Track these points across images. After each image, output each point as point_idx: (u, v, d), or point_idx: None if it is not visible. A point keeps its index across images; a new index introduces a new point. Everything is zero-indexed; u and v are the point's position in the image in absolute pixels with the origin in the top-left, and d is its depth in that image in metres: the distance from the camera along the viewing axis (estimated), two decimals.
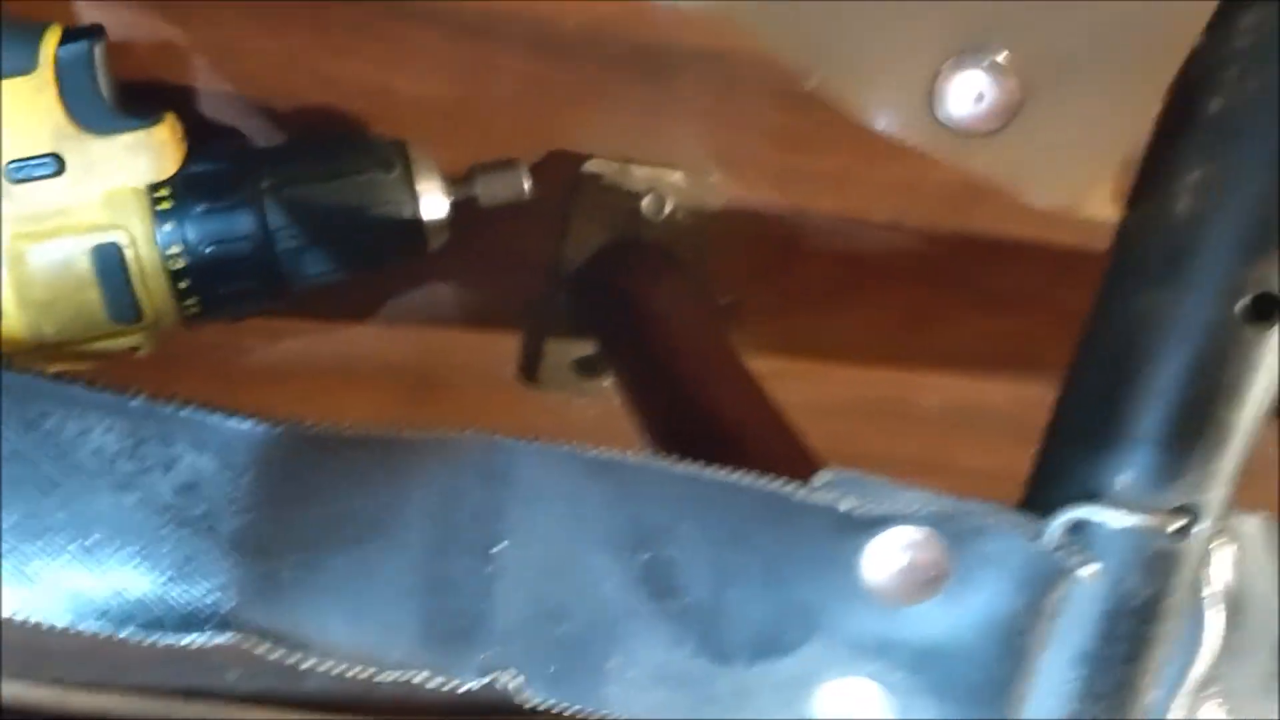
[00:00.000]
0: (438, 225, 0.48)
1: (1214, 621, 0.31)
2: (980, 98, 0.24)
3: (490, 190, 0.49)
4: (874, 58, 0.25)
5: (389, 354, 0.55)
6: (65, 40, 0.43)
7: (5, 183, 0.43)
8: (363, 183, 0.46)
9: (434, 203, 0.47)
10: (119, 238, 0.44)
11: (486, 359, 0.56)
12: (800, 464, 0.46)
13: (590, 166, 0.53)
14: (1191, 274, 0.25)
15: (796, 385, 0.59)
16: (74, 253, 0.43)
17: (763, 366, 0.58)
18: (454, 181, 0.48)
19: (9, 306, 0.43)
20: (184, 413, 0.27)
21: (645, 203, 0.54)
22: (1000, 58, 0.23)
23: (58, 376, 0.27)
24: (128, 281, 0.44)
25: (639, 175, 0.54)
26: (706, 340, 0.51)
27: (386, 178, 0.46)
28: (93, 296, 0.44)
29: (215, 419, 0.28)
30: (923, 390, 0.60)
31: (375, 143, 0.47)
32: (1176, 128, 0.25)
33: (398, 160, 0.47)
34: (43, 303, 0.44)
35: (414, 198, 0.47)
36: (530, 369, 0.57)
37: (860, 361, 0.59)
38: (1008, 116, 0.24)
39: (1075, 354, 0.30)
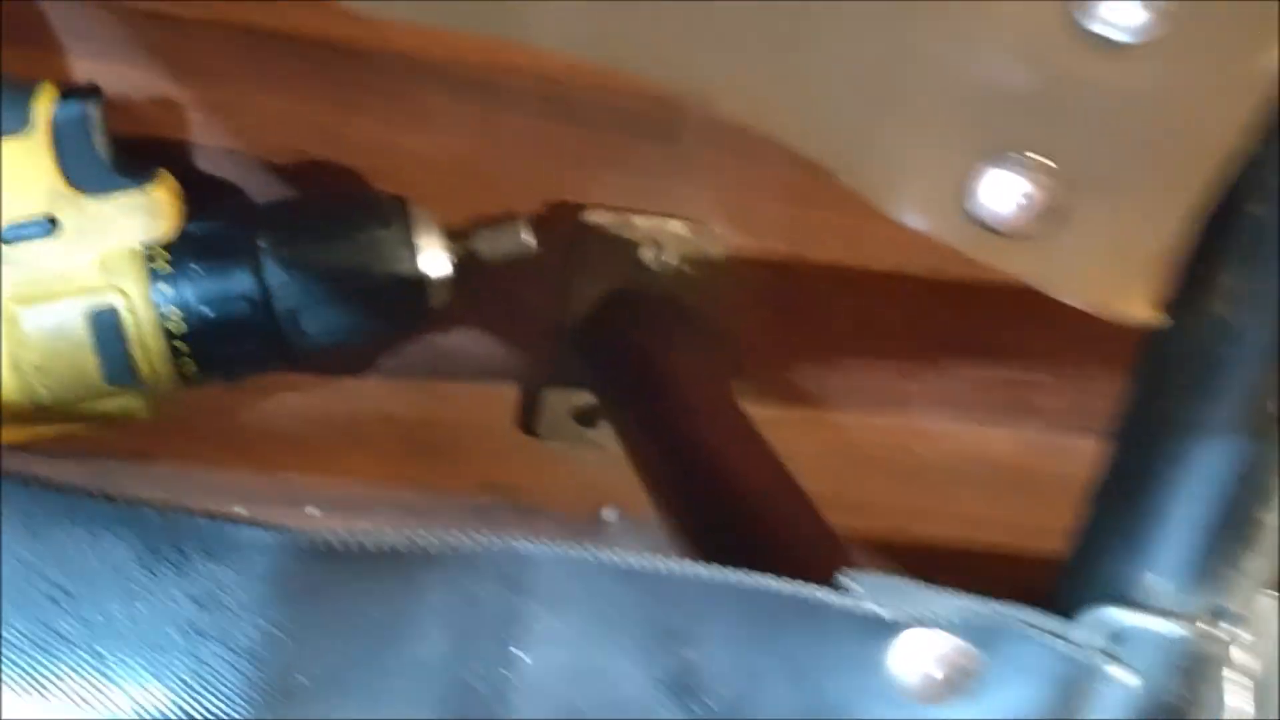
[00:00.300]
0: (440, 283, 0.47)
1: (1241, 710, 0.30)
2: (1016, 198, 0.23)
3: (492, 246, 0.48)
4: (907, 157, 0.24)
5: (390, 408, 0.54)
6: (61, 100, 0.42)
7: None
8: (363, 241, 0.45)
9: (435, 259, 0.46)
10: (115, 300, 0.43)
11: (487, 411, 0.56)
12: (801, 516, 0.45)
13: (592, 217, 0.53)
14: (1226, 379, 0.25)
15: (800, 433, 0.59)
16: (69, 316, 0.43)
17: (766, 414, 0.57)
18: (455, 238, 0.48)
19: (3, 370, 0.42)
20: (200, 522, 0.27)
21: (647, 253, 0.54)
22: (1035, 159, 0.23)
23: (68, 487, 0.26)
24: (124, 344, 0.43)
25: (641, 225, 0.53)
26: (708, 391, 0.51)
27: (387, 235, 0.45)
28: (89, 359, 0.43)
29: (231, 529, 0.27)
30: (925, 439, 0.60)
31: (376, 200, 0.47)
32: (1218, 234, 0.24)
33: (398, 217, 0.46)
34: (38, 366, 0.43)
35: (415, 255, 0.46)
36: (530, 420, 0.56)
37: (863, 410, 0.59)
38: (1044, 217, 0.23)
39: (1107, 452, 0.29)
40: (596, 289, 0.54)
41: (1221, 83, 0.23)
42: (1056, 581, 0.30)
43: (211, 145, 0.48)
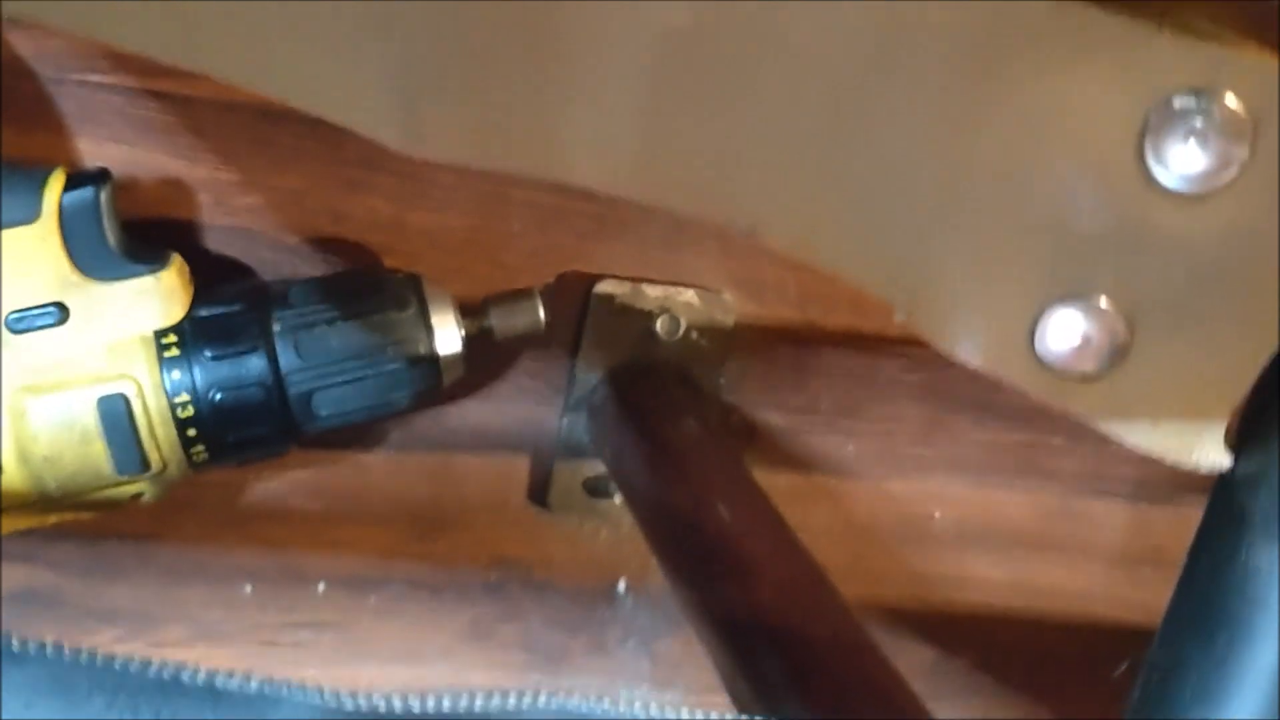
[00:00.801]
0: (453, 360, 0.46)
1: None
2: (1084, 340, 0.23)
3: (505, 322, 0.48)
4: (970, 295, 0.24)
5: (399, 483, 0.54)
6: (70, 186, 0.41)
7: (6, 334, 0.41)
8: (377, 322, 0.45)
9: (449, 338, 0.46)
10: (125, 388, 0.42)
11: (497, 484, 0.55)
12: (812, 588, 0.44)
13: (602, 287, 0.52)
14: None
15: (814, 504, 0.58)
16: (78, 405, 0.42)
17: (779, 484, 0.57)
18: (469, 313, 0.47)
19: (9, 461, 0.42)
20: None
21: (658, 322, 0.53)
22: (1103, 301, 0.23)
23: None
24: (134, 433, 0.42)
25: (651, 295, 0.53)
26: (718, 462, 0.50)
27: (401, 316, 0.45)
28: (98, 450, 0.42)
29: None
30: (938, 504, 0.59)
31: (388, 278, 0.46)
32: None
33: (412, 297, 0.45)
34: (46, 457, 0.42)
35: (429, 335, 0.45)
36: (540, 493, 0.56)
37: (876, 478, 0.58)
38: (1112, 360, 0.23)
39: (1172, 604, 0.28)
40: (607, 360, 0.53)
41: None
42: None
43: (221, 225, 0.47)
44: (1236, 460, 0.25)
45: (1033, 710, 0.64)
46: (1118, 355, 0.23)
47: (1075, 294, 0.23)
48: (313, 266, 0.49)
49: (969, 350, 0.24)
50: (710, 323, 0.53)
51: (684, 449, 0.48)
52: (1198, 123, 0.21)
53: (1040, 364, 0.24)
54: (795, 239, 0.24)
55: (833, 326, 0.55)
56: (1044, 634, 0.63)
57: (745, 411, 0.56)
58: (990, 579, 0.61)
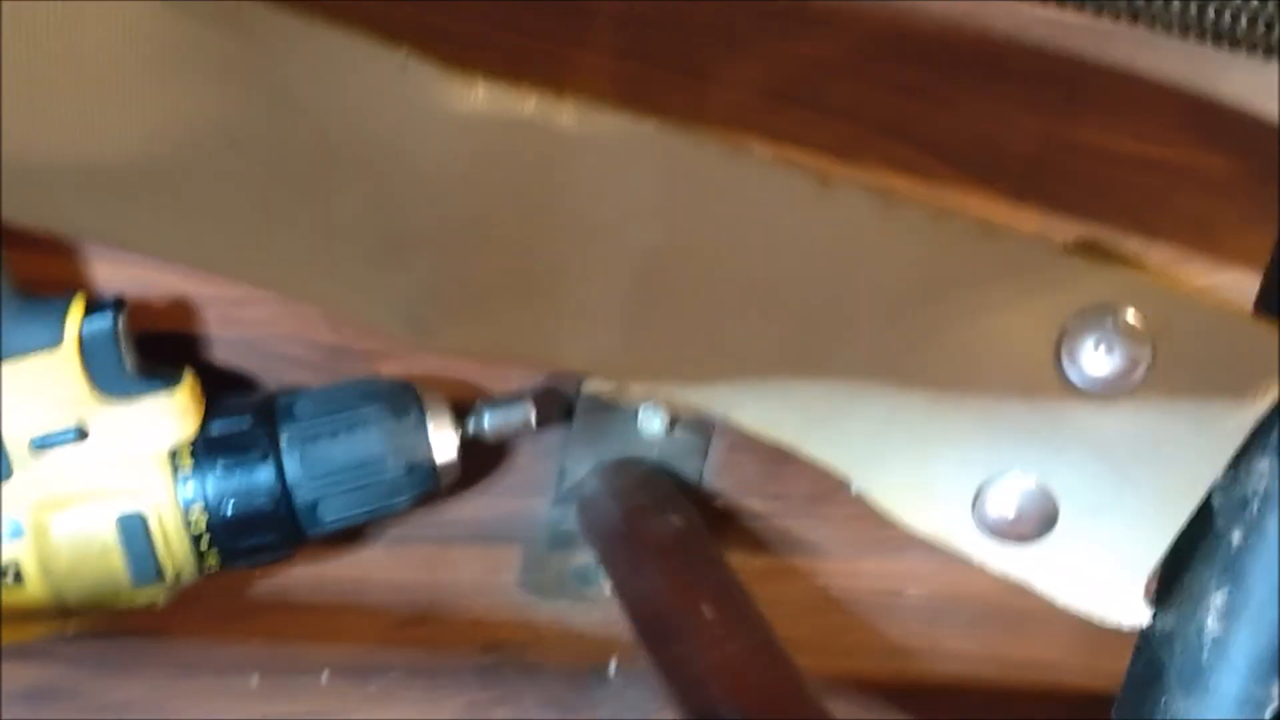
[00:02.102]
0: (449, 465, 0.49)
1: None
2: (1016, 511, 0.26)
3: (497, 425, 0.51)
4: (917, 478, 0.27)
5: (396, 573, 0.56)
6: (89, 313, 0.44)
7: (30, 453, 0.44)
8: (378, 432, 0.47)
9: (445, 443, 0.49)
10: (143, 504, 0.44)
11: (490, 572, 0.58)
12: (793, 692, 0.47)
13: (590, 387, 0.55)
14: (1217, 686, 0.27)
15: (789, 582, 0.61)
16: (98, 521, 0.44)
17: (757, 564, 0.60)
18: (462, 417, 0.50)
19: (32, 574, 0.44)
20: None
21: (642, 419, 0.56)
22: (1033, 480, 0.26)
23: None
24: (151, 546, 0.45)
25: (636, 392, 0.55)
26: (702, 562, 0.53)
27: (400, 425, 0.48)
28: (116, 562, 0.44)
29: None
30: (910, 580, 0.62)
31: (386, 387, 0.49)
32: (1202, 551, 0.27)
33: (411, 405, 0.48)
34: (67, 571, 0.44)
35: (427, 442, 0.48)
36: (533, 580, 0.58)
37: (848, 557, 0.61)
38: (1041, 528, 0.26)
39: None
40: (595, 454, 0.56)
41: (1195, 428, 0.25)
42: None
43: (227, 337, 0.50)
44: (1154, 618, 0.28)
45: None
46: (1048, 524, 0.26)
47: (1008, 473, 0.26)
48: (313, 373, 0.51)
49: (918, 521, 0.27)
50: (692, 417, 0.56)
51: (669, 548, 0.51)
52: (1105, 333, 0.24)
53: (980, 532, 0.27)
54: (761, 424, 0.27)
55: None
56: (1015, 703, 0.66)
57: (725, 498, 0.58)
58: (962, 651, 0.64)
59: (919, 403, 0.26)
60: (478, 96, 0.22)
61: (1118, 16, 0.25)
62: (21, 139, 0.21)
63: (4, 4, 0.21)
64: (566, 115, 0.22)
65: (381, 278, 0.24)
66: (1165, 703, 0.28)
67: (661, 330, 0.25)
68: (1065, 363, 0.25)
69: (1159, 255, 0.57)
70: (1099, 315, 0.25)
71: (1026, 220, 0.54)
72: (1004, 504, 0.26)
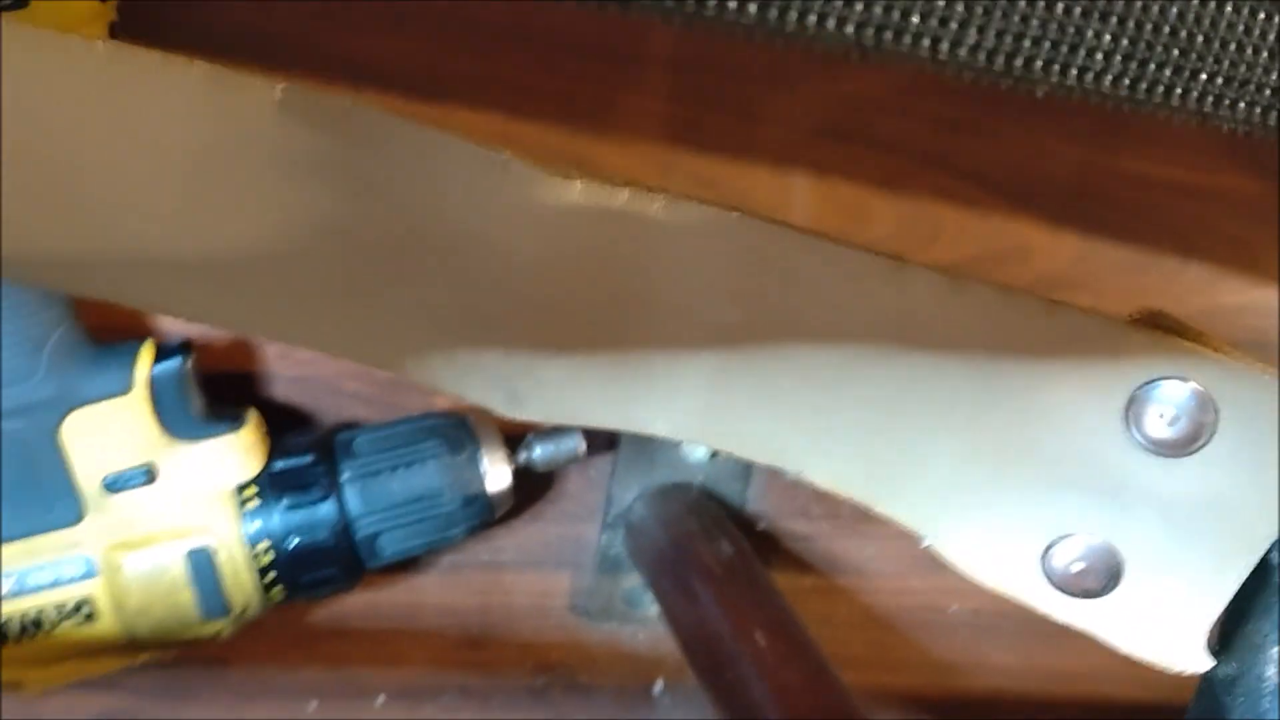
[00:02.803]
0: (503, 496, 0.50)
1: None
2: (1083, 566, 0.27)
3: (548, 455, 0.52)
4: (987, 534, 0.28)
5: (449, 598, 0.57)
6: (158, 359, 0.45)
7: (103, 494, 0.45)
8: (435, 467, 0.48)
9: (500, 476, 0.50)
10: (210, 540, 0.46)
11: (540, 596, 0.59)
12: (846, 713, 0.48)
13: None
14: None
15: (837, 600, 0.62)
16: (168, 558, 0.46)
17: (804, 584, 0.61)
18: (513, 448, 0.51)
19: (104, 611, 0.45)
20: None
21: (686, 444, 0.57)
22: (1100, 537, 0.27)
23: None
24: (219, 581, 0.46)
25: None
26: (753, 588, 0.54)
27: (456, 459, 0.49)
28: (186, 598, 0.46)
29: None
30: (954, 597, 0.63)
31: (442, 422, 0.50)
32: (1262, 604, 0.28)
33: (466, 439, 0.49)
34: (138, 608, 0.46)
35: (481, 475, 0.49)
36: (582, 603, 0.59)
37: (894, 575, 0.62)
38: (1108, 581, 0.27)
39: None
40: (641, 480, 0.57)
41: (1256, 489, 0.26)
42: None
43: (286, 375, 0.51)
44: (1216, 664, 0.29)
45: None
46: (1114, 579, 0.27)
47: (1075, 530, 0.27)
48: (369, 407, 0.52)
49: (988, 576, 0.28)
50: None
51: (720, 574, 0.52)
52: (1170, 402, 0.25)
53: (1049, 586, 0.28)
54: (834, 482, 0.28)
55: None
56: (1059, 715, 0.66)
57: (771, 520, 0.59)
58: (1006, 664, 0.65)
59: (987, 464, 0.27)
60: (575, 191, 0.23)
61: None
62: (130, 228, 0.23)
63: (110, 99, 0.22)
64: (657, 206, 0.23)
65: (475, 357, 0.25)
66: None
67: (740, 400, 0.26)
68: (1131, 428, 0.26)
69: (1196, 275, 0.57)
70: (1163, 386, 0.26)
71: (1067, 245, 0.55)
72: (1071, 560, 0.27)
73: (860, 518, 0.60)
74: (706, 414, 0.27)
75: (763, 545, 0.60)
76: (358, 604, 0.57)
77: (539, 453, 0.52)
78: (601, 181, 0.23)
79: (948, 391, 0.26)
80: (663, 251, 0.23)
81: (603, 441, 0.56)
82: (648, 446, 0.57)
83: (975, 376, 0.26)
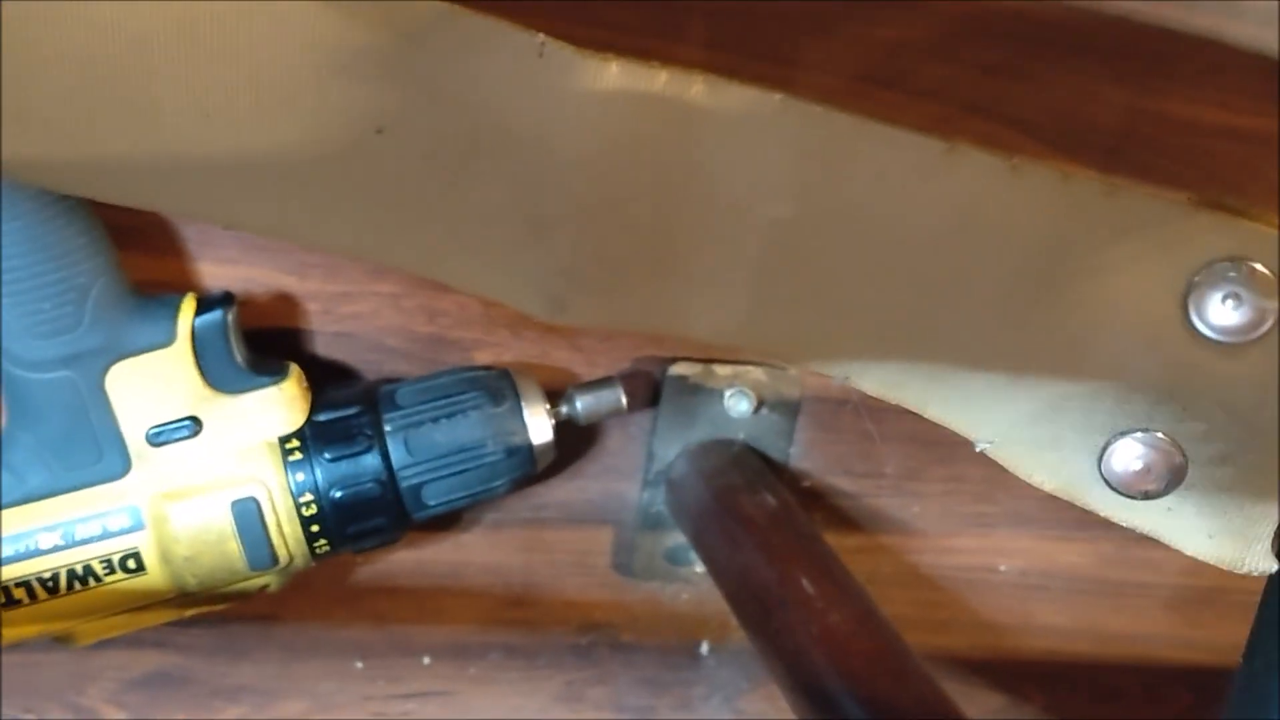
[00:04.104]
0: (545, 448, 0.50)
1: None
2: (1144, 466, 0.26)
3: (589, 409, 0.52)
4: (1044, 435, 0.27)
5: (494, 557, 0.57)
6: (200, 310, 0.45)
7: (147, 447, 0.45)
8: (477, 417, 0.48)
9: (541, 428, 0.50)
10: (256, 491, 0.46)
11: (584, 555, 0.59)
12: (898, 656, 0.47)
13: (676, 369, 0.56)
14: None
15: (882, 559, 0.61)
16: (214, 509, 0.46)
17: (849, 543, 0.60)
18: (555, 402, 0.51)
19: (152, 563, 0.46)
20: None
21: (729, 399, 0.57)
22: (1160, 433, 0.26)
23: None
24: (265, 532, 0.46)
25: (722, 374, 0.56)
26: (798, 537, 0.53)
27: (498, 410, 0.49)
28: (232, 548, 0.46)
29: None
30: (1002, 556, 0.62)
31: (483, 375, 0.50)
32: None
33: (507, 391, 0.49)
34: (185, 557, 0.46)
35: (524, 426, 0.49)
36: (625, 562, 0.59)
37: (941, 534, 0.61)
38: (1170, 481, 0.26)
39: (1231, 701, 0.31)
40: (683, 436, 0.57)
41: None
42: None
43: (329, 330, 0.51)
44: None
45: None
46: (1175, 478, 0.26)
47: (1135, 429, 0.26)
48: (411, 363, 0.52)
49: (1044, 478, 0.28)
50: (779, 397, 0.57)
51: (764, 524, 0.51)
52: (1233, 285, 0.25)
53: (1108, 487, 0.27)
54: (885, 387, 0.28)
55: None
56: (1108, 676, 0.66)
57: (815, 478, 0.59)
58: (1055, 625, 0.64)
59: (1045, 360, 0.26)
60: (611, 73, 0.23)
61: None
62: (183, 135, 0.23)
63: (172, 5, 0.22)
64: (697, 88, 0.23)
65: (520, 259, 0.25)
66: None
67: (789, 299, 0.26)
68: (1192, 316, 0.25)
69: None
70: (1225, 269, 0.25)
71: None
72: (1131, 459, 0.27)
73: (906, 475, 0.60)
74: (753, 316, 0.26)
75: (807, 502, 0.59)
76: (403, 562, 0.57)
77: (580, 405, 0.52)
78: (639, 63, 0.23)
79: (1003, 286, 0.25)
80: (709, 142, 0.23)
81: (644, 398, 0.56)
82: (689, 402, 0.56)
83: (1032, 268, 0.25)
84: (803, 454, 0.58)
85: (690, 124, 0.23)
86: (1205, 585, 0.64)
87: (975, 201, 0.25)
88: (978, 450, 0.28)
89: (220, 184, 0.24)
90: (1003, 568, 0.63)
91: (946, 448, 0.60)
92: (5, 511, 0.45)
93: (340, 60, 0.22)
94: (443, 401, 0.48)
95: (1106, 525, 0.64)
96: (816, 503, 0.59)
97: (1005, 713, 0.65)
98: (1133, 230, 0.25)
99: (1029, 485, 0.63)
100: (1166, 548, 0.65)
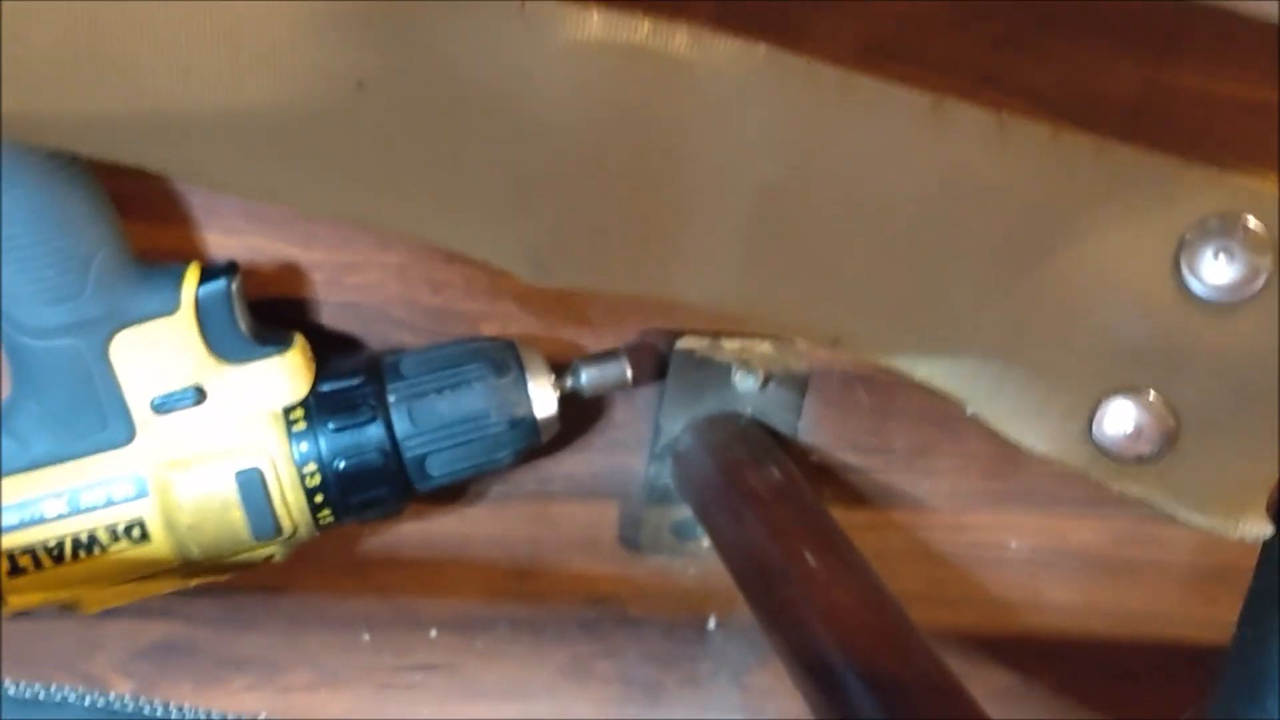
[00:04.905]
0: (549, 420, 0.50)
1: None
2: (1135, 428, 0.26)
3: (595, 381, 0.52)
4: (1033, 397, 0.27)
5: (500, 530, 0.57)
6: (204, 279, 0.45)
7: (151, 415, 0.46)
8: (481, 388, 0.48)
9: (545, 399, 0.49)
10: (259, 461, 0.46)
11: (590, 528, 0.59)
12: (901, 632, 0.47)
13: (683, 343, 0.55)
14: None
15: (892, 535, 0.61)
16: (218, 478, 0.46)
17: (858, 519, 0.60)
18: (560, 374, 0.51)
19: (156, 532, 0.46)
20: None
21: (737, 373, 0.56)
22: (1151, 394, 0.26)
23: None
24: (269, 501, 0.46)
25: (729, 347, 0.56)
26: (803, 511, 0.53)
27: (502, 382, 0.49)
28: (236, 517, 0.46)
29: None
30: (1013, 533, 0.62)
31: (488, 346, 0.50)
32: None
33: (512, 362, 0.49)
34: (189, 526, 0.46)
35: (528, 398, 0.49)
36: (631, 536, 0.59)
37: (951, 511, 0.61)
38: (1162, 444, 0.26)
39: (1227, 663, 0.31)
40: (690, 410, 0.57)
41: None
42: None
43: (334, 301, 0.51)
44: (1277, 532, 0.28)
45: None
46: (1168, 441, 0.26)
47: (1126, 389, 0.26)
48: (416, 334, 0.52)
49: (1035, 442, 0.27)
50: (786, 371, 0.57)
51: (769, 498, 0.51)
52: (1226, 241, 0.24)
53: (1098, 450, 0.26)
54: (874, 349, 0.27)
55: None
56: (1120, 655, 0.65)
57: (823, 453, 0.59)
58: (1065, 603, 0.64)
59: (1036, 322, 0.26)
60: (593, 23, 0.22)
61: None
62: (163, 91, 0.22)
63: None
64: (680, 39, 0.23)
65: (505, 219, 0.24)
66: None
67: (778, 262, 0.25)
68: (1184, 274, 0.25)
69: None
70: (1218, 224, 0.24)
71: None
72: (1123, 421, 0.26)
73: (916, 451, 0.60)
74: (742, 279, 0.26)
75: (815, 478, 0.59)
76: (409, 535, 0.57)
77: (585, 378, 0.51)
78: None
79: (993, 245, 0.25)
80: (692, 99, 0.23)
81: (650, 371, 0.56)
82: (696, 376, 0.56)
83: (1022, 228, 0.25)
84: (811, 428, 0.58)
85: (674, 79, 0.23)
86: (1218, 563, 0.63)
87: (963, 161, 0.24)
88: (969, 413, 0.27)
89: (205, 142, 0.24)
90: (1014, 545, 0.62)
91: (957, 424, 0.59)
92: (10, 479, 0.45)
93: (318, 16, 0.22)
94: (447, 372, 0.48)
95: (1119, 503, 0.63)
96: (825, 477, 0.59)
97: (1016, 690, 0.65)
98: (1123, 188, 0.24)
99: (1041, 462, 0.62)
100: (1179, 526, 0.64)
